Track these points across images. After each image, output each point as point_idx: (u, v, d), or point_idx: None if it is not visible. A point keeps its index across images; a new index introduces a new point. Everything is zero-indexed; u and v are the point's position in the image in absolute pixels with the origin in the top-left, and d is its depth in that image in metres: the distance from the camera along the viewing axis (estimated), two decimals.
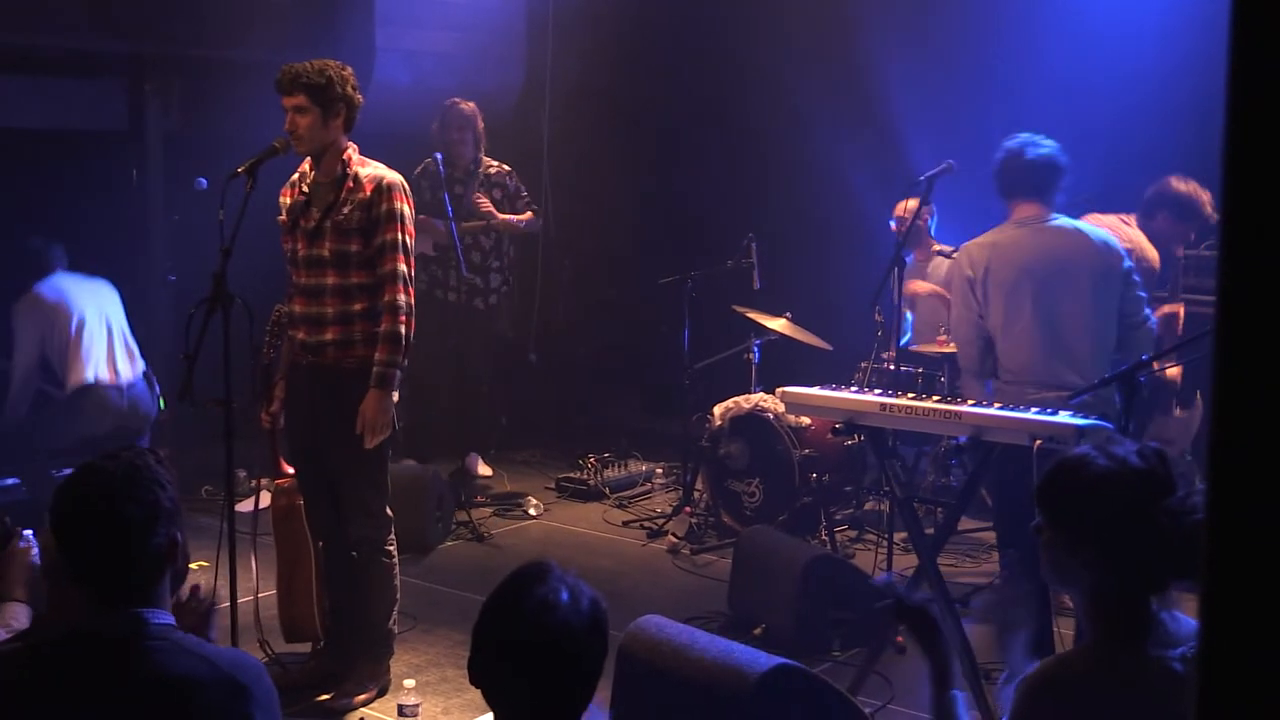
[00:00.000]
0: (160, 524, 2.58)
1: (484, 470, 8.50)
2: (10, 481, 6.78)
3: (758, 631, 5.68)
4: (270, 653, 5.34)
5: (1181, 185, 6.35)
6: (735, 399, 7.32)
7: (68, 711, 2.52)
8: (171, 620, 2.62)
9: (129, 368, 7.05)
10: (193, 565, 3.05)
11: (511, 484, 8.46)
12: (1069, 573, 2.54)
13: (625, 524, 7.73)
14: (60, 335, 6.83)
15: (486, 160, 7.98)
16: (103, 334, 6.96)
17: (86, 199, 8.03)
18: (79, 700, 2.51)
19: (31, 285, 6.91)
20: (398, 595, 5.30)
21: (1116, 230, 5.98)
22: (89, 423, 6.82)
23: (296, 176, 5.13)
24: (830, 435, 6.78)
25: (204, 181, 7.28)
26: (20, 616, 3.62)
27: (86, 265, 7.22)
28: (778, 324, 7.52)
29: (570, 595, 2.46)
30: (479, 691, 2.48)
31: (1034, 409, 4.83)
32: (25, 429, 6.89)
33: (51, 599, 3.45)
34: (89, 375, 6.85)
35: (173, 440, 7.62)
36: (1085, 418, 4.65)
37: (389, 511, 5.21)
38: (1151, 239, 6.31)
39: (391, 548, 5.23)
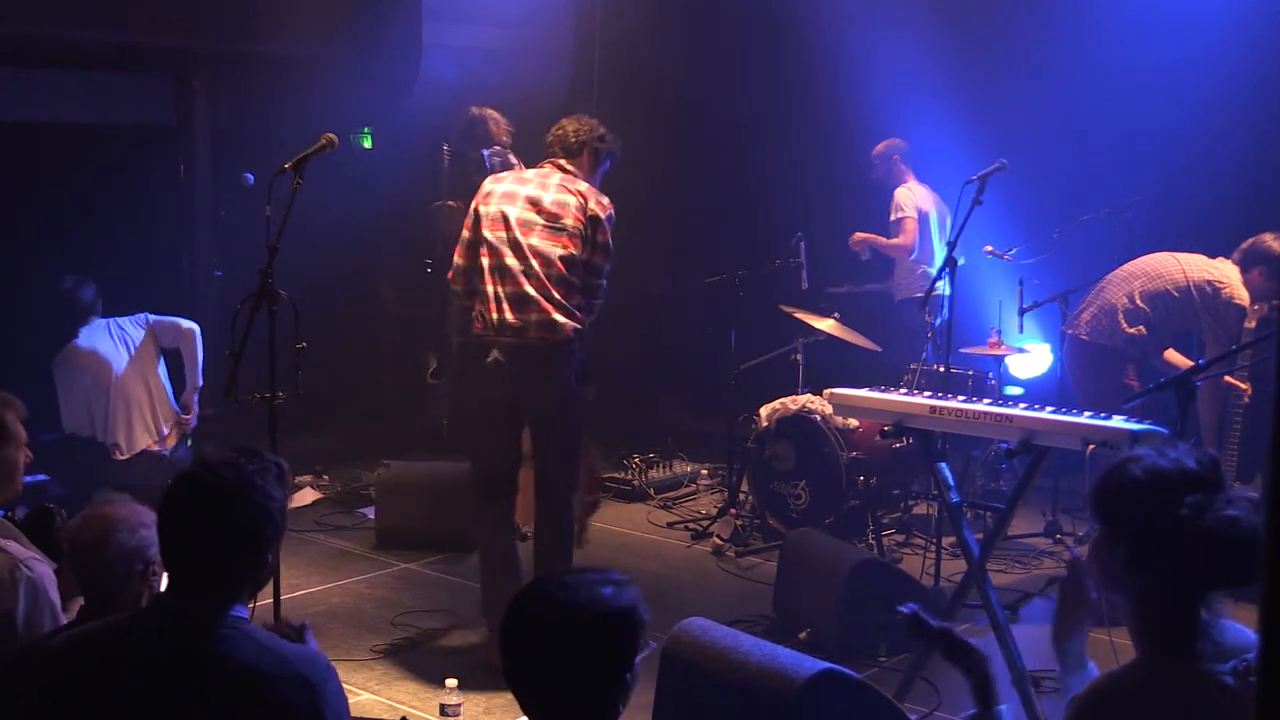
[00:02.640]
0: (271, 538, 2.67)
1: None
2: (40, 478, 6.78)
3: (803, 635, 5.62)
4: None
5: (1278, 245, 6.41)
6: (782, 400, 7.25)
7: (138, 689, 2.54)
8: (245, 614, 2.65)
9: (168, 431, 7.00)
10: None
11: None
12: (1115, 576, 2.50)
13: (670, 525, 7.68)
14: (99, 398, 6.78)
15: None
16: (143, 398, 6.89)
17: (134, 194, 8.06)
18: (148, 679, 2.54)
19: (71, 334, 6.82)
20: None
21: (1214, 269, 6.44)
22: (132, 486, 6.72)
23: None
24: (878, 438, 6.71)
25: (251, 177, 7.29)
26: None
27: (134, 260, 7.22)
28: (826, 324, 7.45)
29: (593, 583, 2.44)
30: None
31: (1088, 413, 4.75)
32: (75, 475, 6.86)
33: (65, 591, 3.47)
34: (133, 444, 6.85)
35: (217, 436, 7.63)
36: (1140, 422, 4.57)
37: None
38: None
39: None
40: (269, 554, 2.70)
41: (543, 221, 5.38)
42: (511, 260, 5.36)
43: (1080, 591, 2.79)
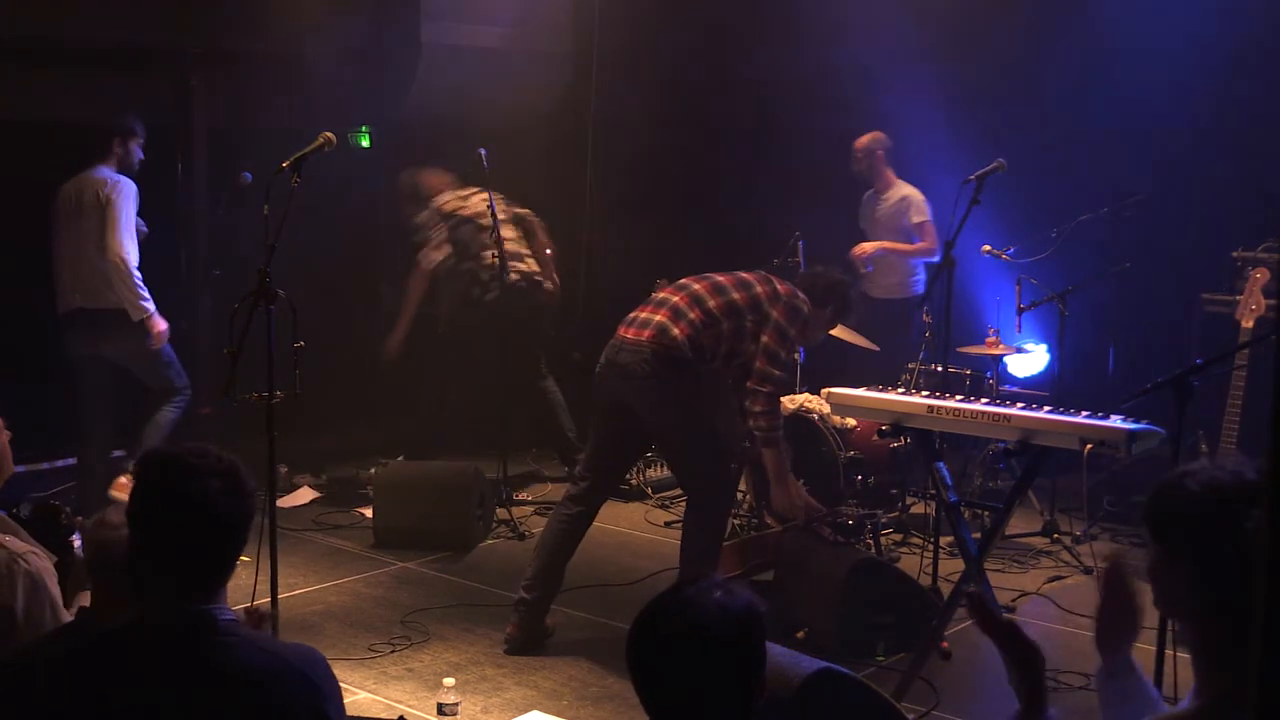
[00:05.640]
0: (249, 528, 2.68)
1: None
2: (68, 462, 6.80)
3: (800, 635, 5.62)
4: None
5: None
6: (780, 399, 7.24)
7: (142, 704, 2.51)
8: (234, 617, 2.64)
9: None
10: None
11: (553, 483, 8.44)
12: (1177, 599, 2.34)
13: (667, 524, 7.67)
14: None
15: None
16: (70, 252, 6.99)
17: None
18: (154, 692, 2.51)
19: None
20: None
21: None
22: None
23: None
24: (876, 437, 6.71)
25: (249, 175, 7.29)
26: None
27: None
28: None
29: (707, 591, 2.42)
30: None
31: (1084, 413, 4.75)
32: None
33: (96, 593, 3.46)
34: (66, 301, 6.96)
35: (215, 435, 7.63)
36: (1137, 422, 4.57)
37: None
38: None
39: None
40: (242, 535, 2.64)
41: None
42: None
43: (1125, 593, 2.58)
